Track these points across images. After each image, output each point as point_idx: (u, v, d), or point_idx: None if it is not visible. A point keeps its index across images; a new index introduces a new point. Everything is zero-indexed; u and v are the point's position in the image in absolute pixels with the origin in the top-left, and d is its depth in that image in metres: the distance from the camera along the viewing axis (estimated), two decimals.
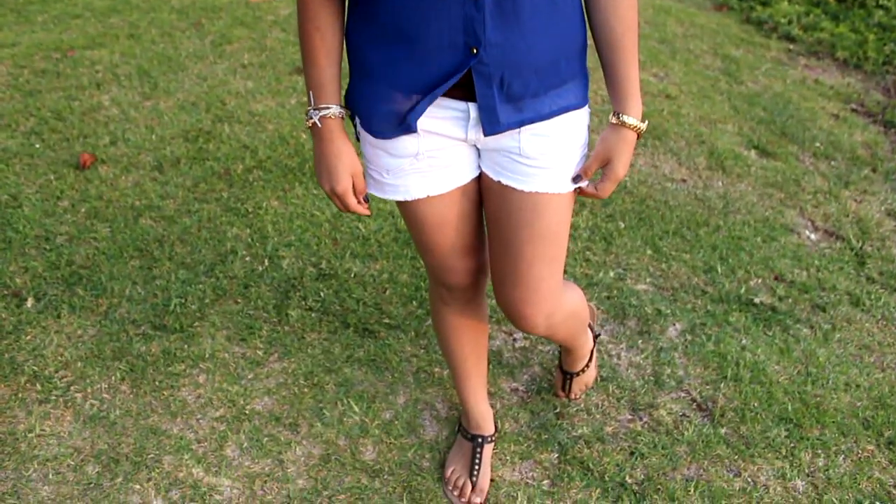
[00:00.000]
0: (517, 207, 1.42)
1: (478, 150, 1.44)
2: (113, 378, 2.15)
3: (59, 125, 3.36)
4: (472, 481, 1.87)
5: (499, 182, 1.43)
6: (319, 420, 2.06)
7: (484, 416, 1.92)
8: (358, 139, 1.45)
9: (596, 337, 2.07)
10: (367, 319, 2.37)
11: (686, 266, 2.67)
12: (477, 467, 1.89)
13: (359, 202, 1.42)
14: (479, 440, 1.92)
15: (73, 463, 1.93)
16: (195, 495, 1.87)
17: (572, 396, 2.12)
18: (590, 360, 2.05)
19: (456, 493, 1.88)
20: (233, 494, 1.88)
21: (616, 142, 1.37)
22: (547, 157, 1.37)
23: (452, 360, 1.82)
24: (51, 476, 1.90)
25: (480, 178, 1.49)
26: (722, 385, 2.23)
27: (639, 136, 1.37)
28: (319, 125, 1.35)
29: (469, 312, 1.72)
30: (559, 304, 1.57)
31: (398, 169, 1.40)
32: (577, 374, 2.06)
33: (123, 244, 2.66)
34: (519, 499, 1.91)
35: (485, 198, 1.49)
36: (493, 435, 1.95)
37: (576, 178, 1.41)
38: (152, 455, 1.96)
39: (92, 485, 1.88)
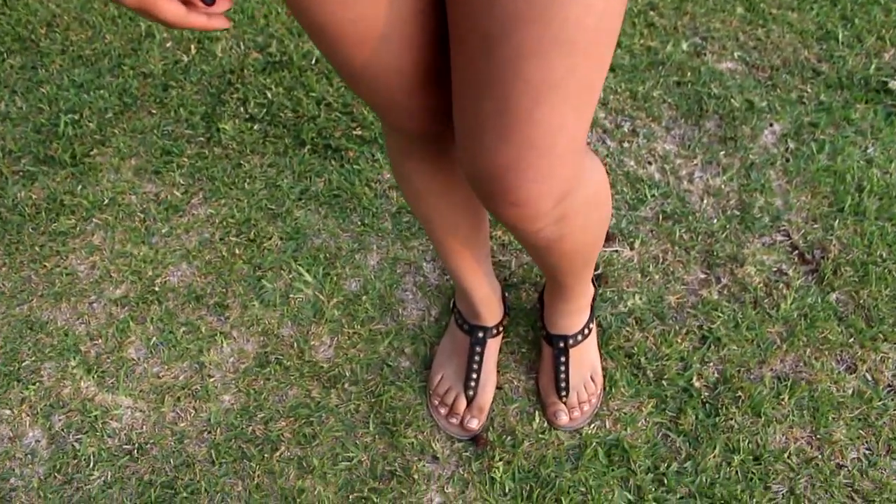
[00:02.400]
0: None
1: None
2: None
3: None
4: (467, 395, 1.28)
5: None
6: (256, 297, 1.45)
7: (486, 302, 1.28)
8: None
9: (597, 280, 1.37)
10: (330, 131, 1.66)
11: (792, 32, 1.82)
12: (475, 374, 1.29)
13: (192, 5, 0.63)
14: (480, 334, 1.30)
15: None
16: (83, 423, 1.33)
17: (574, 411, 1.31)
18: (591, 318, 1.32)
19: (444, 411, 1.30)
20: (134, 420, 1.33)
21: None
22: None
23: (434, 233, 1.13)
24: None
25: None
26: (836, 223, 1.51)
27: None
28: None
29: (448, 163, 1.01)
30: (580, 177, 0.82)
31: None
32: (575, 343, 1.30)
33: None
34: (537, 418, 1.32)
35: None
36: (501, 324, 1.33)
37: None
38: (28, 363, 1.40)
39: None
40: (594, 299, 1.33)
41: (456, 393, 1.30)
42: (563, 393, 1.28)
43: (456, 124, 0.78)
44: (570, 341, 1.28)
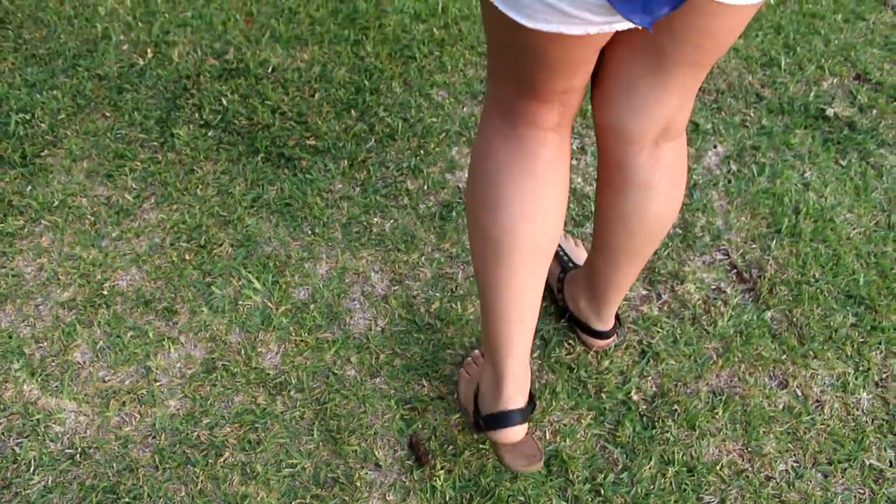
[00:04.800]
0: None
1: None
2: None
3: None
4: None
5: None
6: (205, 303, 1.46)
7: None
8: None
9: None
10: (284, 140, 1.68)
11: (738, 57, 1.89)
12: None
13: None
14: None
15: None
16: (25, 426, 1.32)
17: None
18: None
19: None
20: (78, 424, 1.33)
21: None
22: None
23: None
24: None
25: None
26: (773, 243, 1.57)
27: None
28: None
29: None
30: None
31: None
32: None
33: None
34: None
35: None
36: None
37: None
38: None
39: None
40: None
41: None
42: None
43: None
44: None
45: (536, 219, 1.01)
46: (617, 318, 1.41)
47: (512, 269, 1.03)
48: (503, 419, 1.14)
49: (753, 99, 1.83)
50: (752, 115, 1.80)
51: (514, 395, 1.14)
